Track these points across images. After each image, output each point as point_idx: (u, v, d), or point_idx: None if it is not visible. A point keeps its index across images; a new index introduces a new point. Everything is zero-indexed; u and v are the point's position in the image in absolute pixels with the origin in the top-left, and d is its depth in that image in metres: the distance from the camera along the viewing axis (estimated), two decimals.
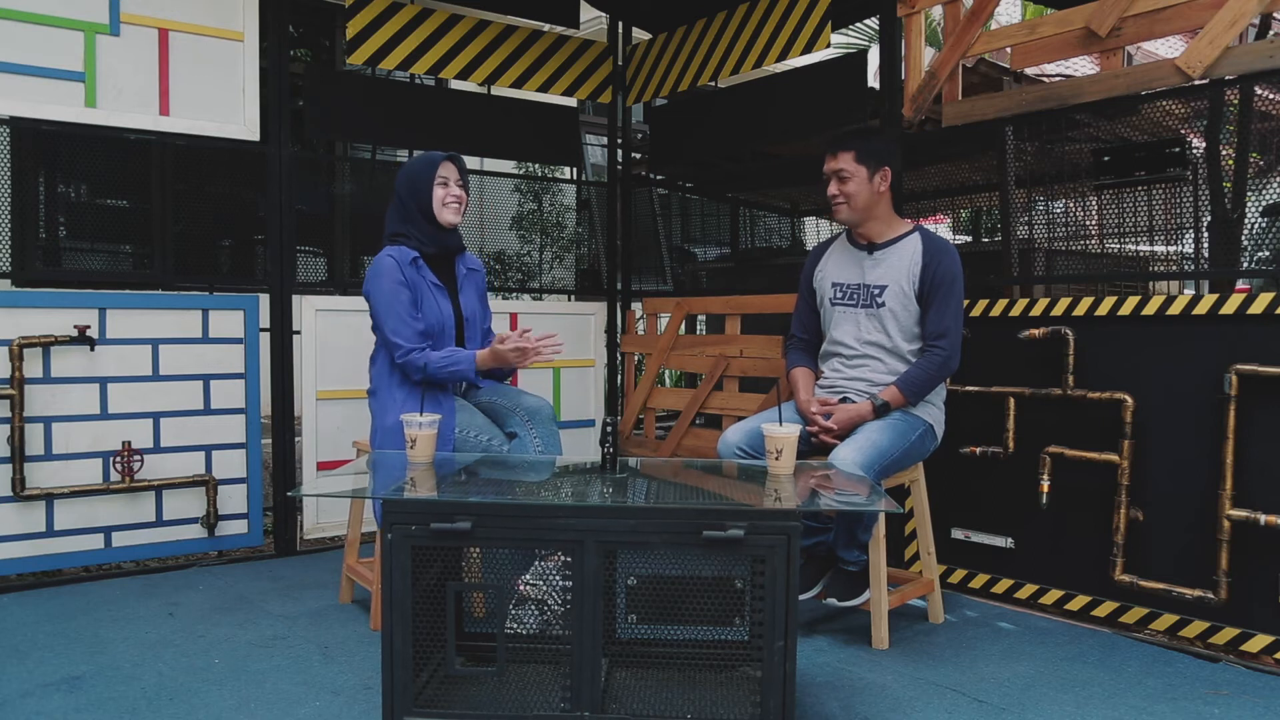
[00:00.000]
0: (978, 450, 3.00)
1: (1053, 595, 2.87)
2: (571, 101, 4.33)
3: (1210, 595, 2.52)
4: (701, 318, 4.58)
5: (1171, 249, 3.34)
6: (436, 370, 2.59)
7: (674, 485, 2.27)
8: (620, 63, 4.33)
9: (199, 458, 3.32)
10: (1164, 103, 2.89)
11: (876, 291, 2.66)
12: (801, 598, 2.59)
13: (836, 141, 2.69)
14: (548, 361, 3.98)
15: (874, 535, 2.55)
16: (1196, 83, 2.66)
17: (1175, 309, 2.62)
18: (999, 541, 3.00)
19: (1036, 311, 2.91)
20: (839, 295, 2.74)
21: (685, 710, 1.86)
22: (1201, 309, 2.57)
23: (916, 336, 2.66)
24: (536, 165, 6.17)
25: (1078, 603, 2.81)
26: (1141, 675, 2.37)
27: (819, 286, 2.82)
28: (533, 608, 2.26)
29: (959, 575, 3.09)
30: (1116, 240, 3.33)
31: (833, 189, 2.69)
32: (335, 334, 3.52)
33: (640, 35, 4.43)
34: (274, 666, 2.37)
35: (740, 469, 2.46)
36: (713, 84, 4.27)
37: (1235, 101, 3.24)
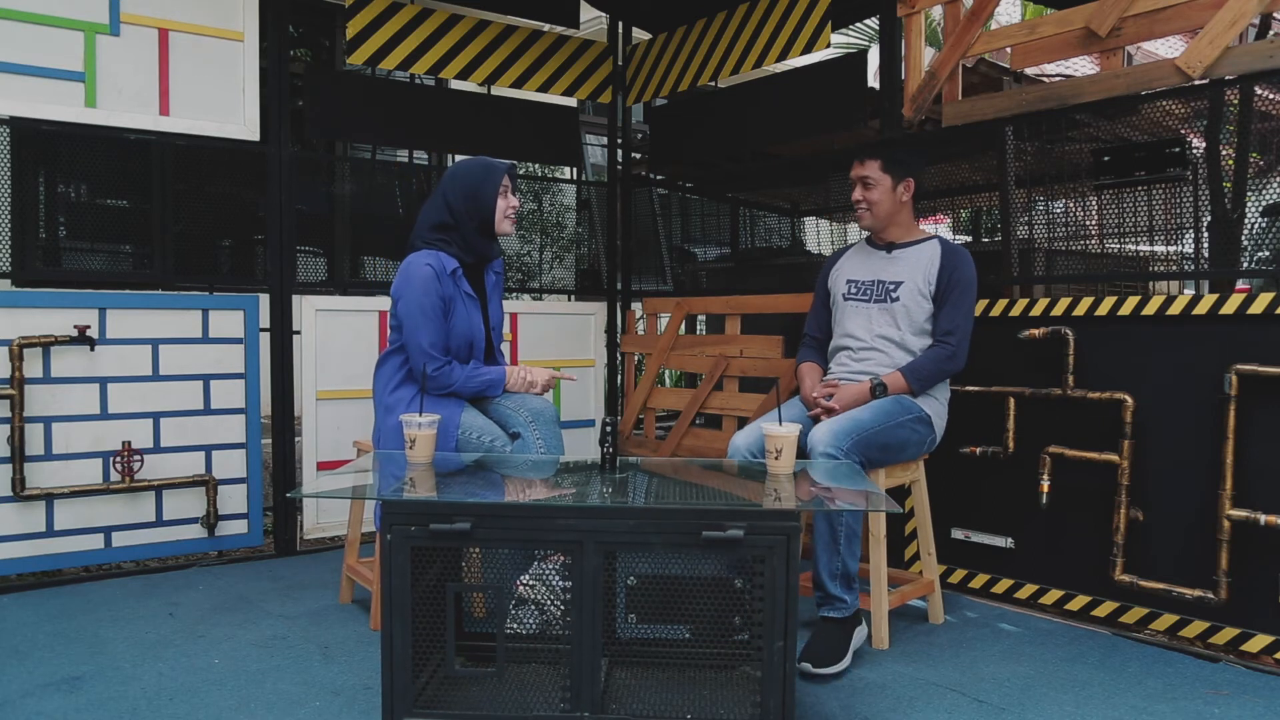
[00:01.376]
0: (978, 450, 3.00)
1: (1053, 595, 2.87)
2: (571, 101, 4.33)
3: (1210, 595, 2.52)
4: (701, 318, 4.58)
5: (1171, 249, 3.34)
6: (465, 387, 2.60)
7: (674, 485, 2.27)
8: (620, 63, 4.33)
9: (199, 458, 3.32)
10: (1164, 103, 2.89)
11: (892, 287, 2.72)
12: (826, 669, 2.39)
13: (865, 149, 2.78)
14: (550, 360, 3.99)
15: (874, 535, 2.55)
16: (1196, 83, 2.66)
17: (1175, 309, 2.62)
18: (999, 541, 3.00)
19: (1036, 311, 2.91)
20: (852, 290, 2.80)
21: (685, 710, 1.86)
22: (1201, 309, 2.57)
23: (926, 334, 2.70)
24: (536, 165, 6.17)
25: (1078, 603, 2.81)
26: (1141, 675, 2.37)
27: (833, 285, 2.88)
28: (532, 608, 2.26)
29: (959, 575, 3.09)
30: (1116, 240, 3.32)
31: (857, 194, 2.76)
32: (335, 334, 3.52)
33: (640, 35, 4.42)
34: (274, 666, 2.37)
35: (740, 469, 2.46)
36: (713, 84, 4.27)
37: (1235, 101, 3.23)
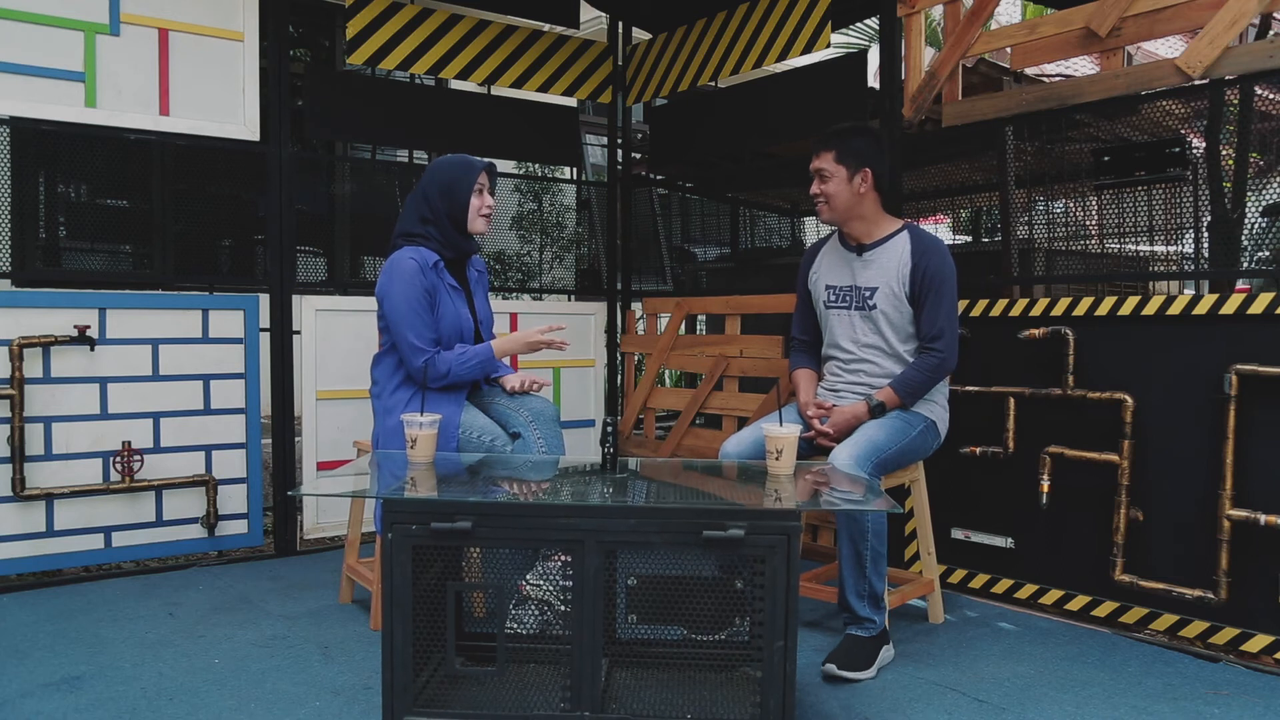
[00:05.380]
0: (978, 450, 3.00)
1: (1053, 595, 2.87)
2: (571, 101, 4.33)
3: (1210, 595, 2.52)
4: (701, 318, 4.58)
5: (1171, 249, 3.34)
6: (460, 370, 2.57)
7: (674, 485, 2.27)
8: (620, 63, 4.33)
9: (199, 458, 3.32)
10: (1164, 103, 2.90)
11: (867, 294, 2.64)
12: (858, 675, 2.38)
13: (820, 140, 2.66)
14: (550, 361, 3.99)
15: None
16: (1196, 83, 2.66)
17: (1175, 309, 2.62)
18: (999, 541, 3.00)
19: (1036, 311, 2.91)
20: (832, 298, 2.73)
21: (685, 710, 1.86)
22: (1201, 309, 2.57)
23: (912, 336, 2.63)
24: (536, 165, 6.17)
25: (1078, 603, 2.81)
26: (1141, 675, 2.37)
27: (814, 289, 2.81)
28: (533, 608, 2.26)
29: (959, 575, 3.09)
30: (1116, 240, 3.33)
31: (814, 188, 2.67)
32: (335, 334, 3.52)
33: (640, 35, 4.43)
34: (274, 666, 2.37)
35: (740, 469, 2.46)
36: (713, 84, 4.27)
37: (1235, 101, 3.23)
